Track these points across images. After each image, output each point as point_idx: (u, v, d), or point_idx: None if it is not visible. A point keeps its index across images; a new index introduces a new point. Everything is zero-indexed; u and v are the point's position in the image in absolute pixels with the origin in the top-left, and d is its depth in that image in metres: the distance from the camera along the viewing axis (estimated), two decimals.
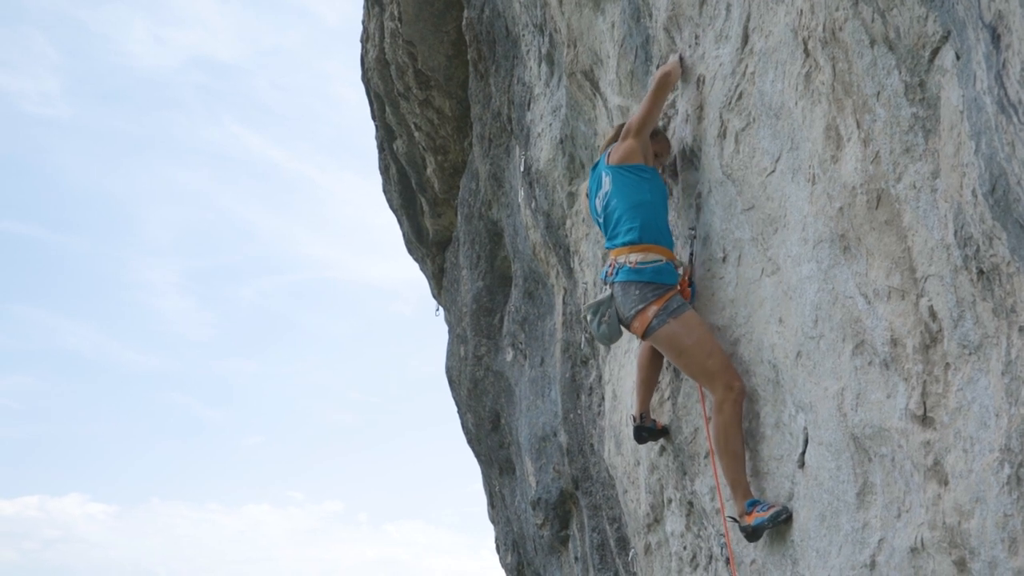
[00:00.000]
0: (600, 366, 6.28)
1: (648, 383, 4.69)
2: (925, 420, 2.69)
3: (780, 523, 3.63)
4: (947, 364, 2.60)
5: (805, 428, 3.46)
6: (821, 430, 3.31)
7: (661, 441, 4.73)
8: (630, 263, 4.23)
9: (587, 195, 4.84)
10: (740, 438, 3.83)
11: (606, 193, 4.47)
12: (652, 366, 4.67)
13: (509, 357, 9.42)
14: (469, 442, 11.63)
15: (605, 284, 4.42)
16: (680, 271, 4.30)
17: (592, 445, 6.82)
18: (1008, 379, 2.33)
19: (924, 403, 2.69)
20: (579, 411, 7.06)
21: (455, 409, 11.99)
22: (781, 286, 3.55)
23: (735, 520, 3.88)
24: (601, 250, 5.82)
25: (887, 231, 2.82)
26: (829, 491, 3.29)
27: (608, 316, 4.36)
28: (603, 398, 6.25)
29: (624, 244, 4.29)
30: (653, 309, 4.12)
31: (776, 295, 3.61)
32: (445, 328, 12.43)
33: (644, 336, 4.20)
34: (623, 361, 5.47)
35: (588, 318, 4.52)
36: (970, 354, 2.49)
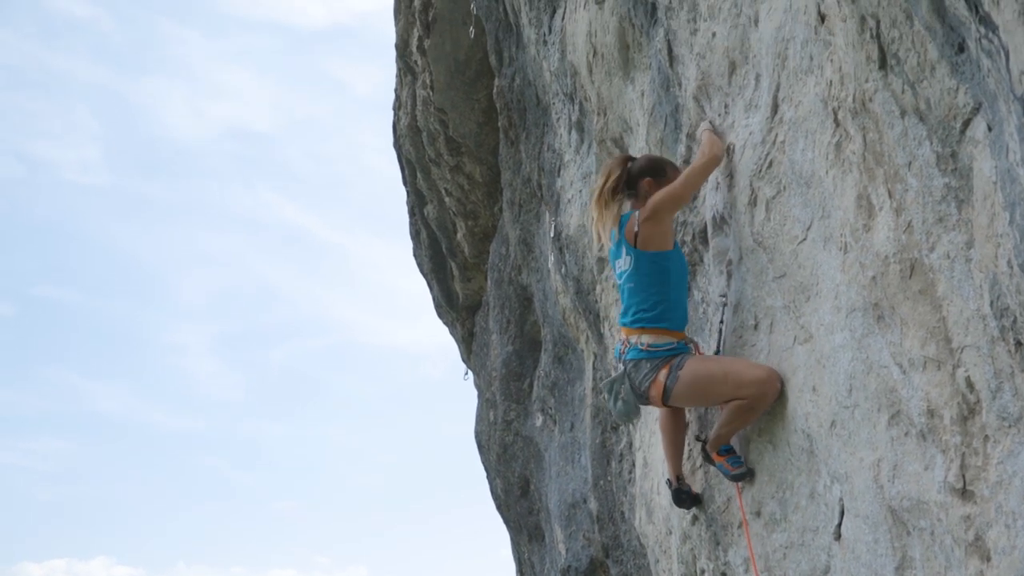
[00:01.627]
0: (631, 432, 6.23)
1: (676, 446, 4.65)
2: (965, 493, 2.63)
3: (736, 479, 4.05)
4: (986, 436, 2.55)
5: (841, 499, 3.40)
6: (857, 501, 3.25)
7: (694, 510, 4.66)
8: (641, 344, 4.24)
9: (608, 257, 4.81)
10: (753, 418, 3.97)
11: (624, 272, 4.39)
12: (675, 429, 4.63)
13: (539, 422, 9.36)
14: (498, 508, 11.52)
15: (618, 362, 4.41)
16: (691, 347, 4.31)
17: (623, 513, 6.73)
18: None
19: (963, 476, 2.64)
20: (609, 478, 6.98)
21: (484, 474, 11.90)
22: (814, 354, 3.52)
23: (701, 441, 4.30)
24: None
25: (921, 300, 2.80)
26: (867, 565, 3.21)
27: (624, 392, 4.36)
28: (634, 465, 6.18)
29: (636, 326, 4.28)
30: (663, 373, 4.14)
31: (809, 363, 3.57)
32: (475, 392, 12.40)
33: (664, 401, 4.21)
34: (654, 428, 5.42)
35: (605, 397, 4.53)
36: (1010, 426, 2.45)
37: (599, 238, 4.54)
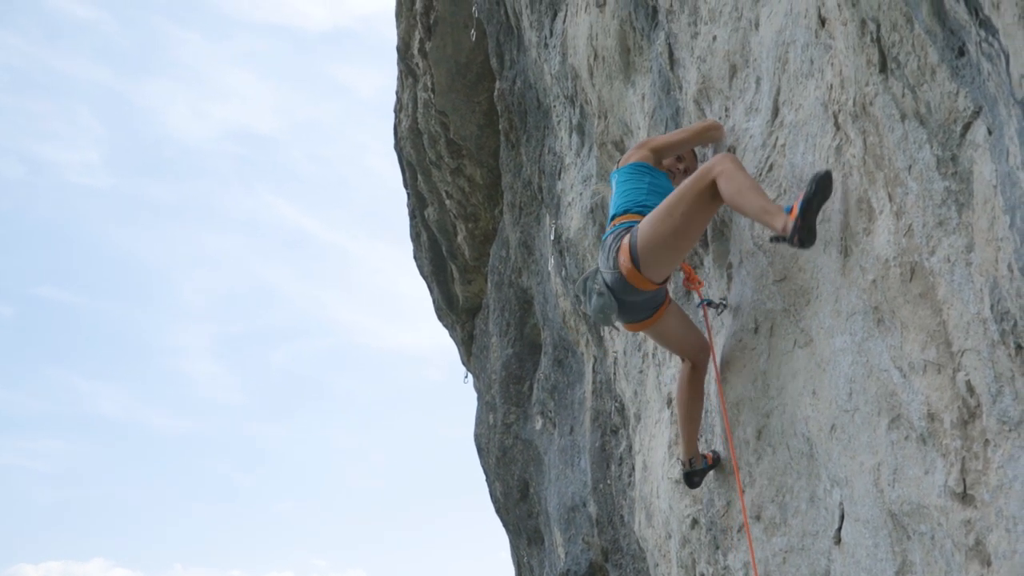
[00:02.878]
0: (630, 436, 6.22)
1: (693, 419, 4.48)
2: (965, 498, 2.63)
3: (822, 182, 3.18)
4: (986, 440, 2.55)
5: (841, 503, 3.39)
6: (857, 506, 3.24)
7: (692, 515, 4.65)
8: (611, 230, 4.17)
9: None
10: (748, 176, 3.61)
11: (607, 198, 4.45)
12: (693, 401, 4.48)
13: (538, 425, 9.35)
14: (497, 511, 11.50)
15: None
16: None
17: (622, 516, 6.72)
18: None
19: (964, 480, 2.63)
20: (609, 481, 6.97)
21: (484, 477, 11.89)
22: (814, 358, 3.52)
23: (779, 239, 3.44)
24: None
25: (922, 304, 2.80)
26: (867, 569, 3.21)
27: (599, 285, 4.16)
28: (633, 468, 6.17)
29: (610, 219, 4.26)
30: (626, 238, 3.99)
31: (809, 367, 3.57)
32: (474, 395, 12.39)
33: (633, 261, 3.93)
34: (654, 432, 5.41)
35: (580, 298, 4.33)
36: (1010, 430, 2.45)
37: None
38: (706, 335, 4.41)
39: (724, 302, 4.34)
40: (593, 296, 4.19)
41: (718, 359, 4.33)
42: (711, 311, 4.46)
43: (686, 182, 3.79)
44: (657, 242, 3.85)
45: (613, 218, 4.25)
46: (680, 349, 4.49)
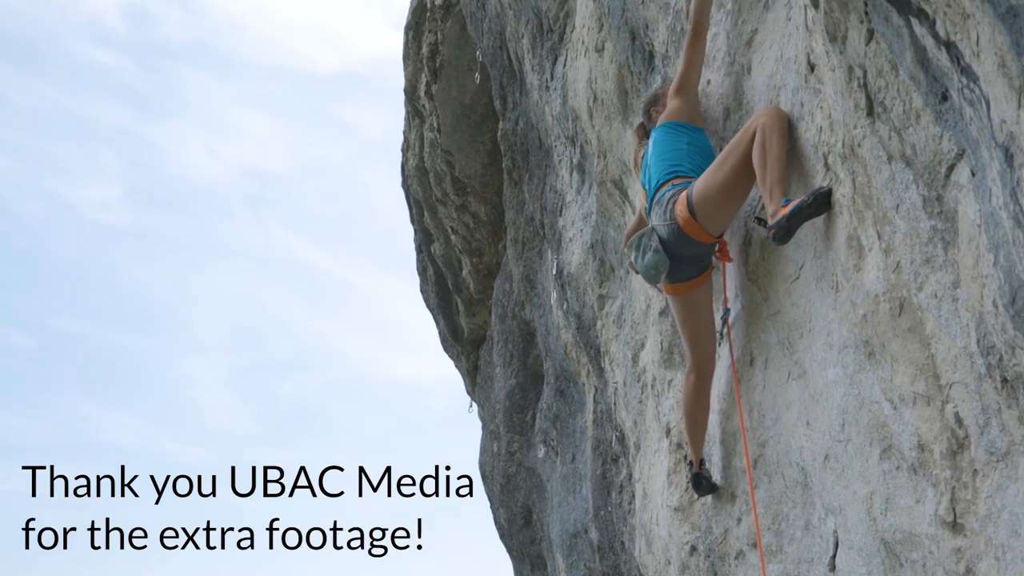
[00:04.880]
0: (630, 464, 6.19)
1: (700, 423, 4.43)
2: (955, 526, 2.62)
3: (820, 199, 3.25)
4: (975, 470, 2.54)
5: (835, 531, 3.37)
6: (851, 534, 3.22)
7: (691, 542, 4.61)
8: (663, 192, 4.15)
9: (640, 169, 4.73)
10: (780, 146, 3.56)
11: (647, 154, 4.40)
12: (700, 410, 4.42)
13: (541, 454, 9.31)
14: (501, 537, 11.42)
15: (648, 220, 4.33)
16: None
17: (623, 542, 6.67)
18: None
19: (954, 509, 2.62)
20: (610, 508, 6.94)
21: (488, 503, 11.82)
22: (808, 390, 3.52)
23: (762, 221, 3.63)
24: (631, 351, 5.81)
25: (911, 338, 2.80)
26: None
27: (655, 243, 4.13)
28: (633, 496, 6.14)
29: (658, 184, 4.22)
30: (683, 193, 4.00)
31: (803, 398, 3.57)
32: (478, 424, 12.36)
33: (690, 211, 3.93)
34: (653, 460, 5.39)
35: (632, 255, 4.31)
36: (998, 461, 2.44)
37: (635, 167, 4.75)
38: (724, 349, 4.33)
39: (725, 317, 4.26)
40: (648, 252, 4.17)
41: (722, 385, 4.29)
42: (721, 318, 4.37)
43: (736, 136, 3.80)
44: (711, 193, 3.89)
45: (660, 183, 4.21)
46: (697, 337, 4.37)
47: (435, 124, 10.11)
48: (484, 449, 11.57)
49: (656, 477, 5.24)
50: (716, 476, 4.43)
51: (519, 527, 10.24)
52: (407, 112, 11.35)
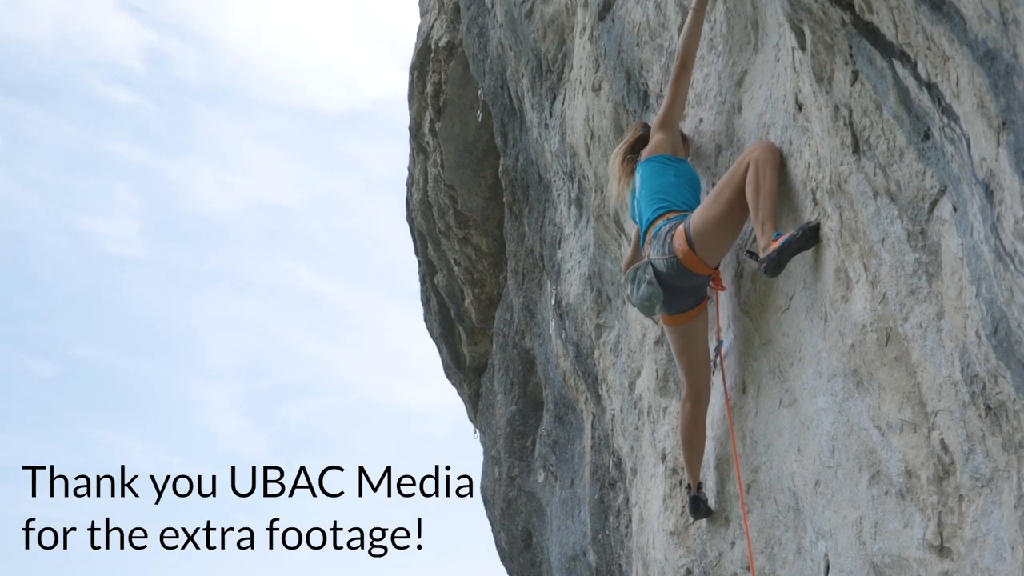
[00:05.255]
0: (627, 489, 6.17)
1: (696, 448, 4.41)
2: (942, 550, 2.62)
3: (809, 233, 3.27)
4: (961, 496, 2.55)
5: (826, 555, 3.37)
6: (842, 557, 3.22)
7: (686, 566, 4.59)
8: (659, 224, 4.13)
9: (628, 209, 4.74)
10: (771, 179, 3.56)
11: (635, 189, 4.39)
12: (698, 438, 4.41)
13: (541, 478, 9.28)
14: (502, 560, 11.35)
15: (643, 252, 4.31)
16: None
17: (620, 566, 6.64)
18: (1021, 512, 2.28)
19: (941, 533, 2.63)
20: (607, 532, 6.91)
21: (489, 527, 11.75)
22: (798, 417, 3.52)
23: (753, 255, 3.60)
24: (628, 378, 5.81)
25: (897, 367, 2.82)
26: None
27: (649, 276, 4.13)
28: (630, 520, 6.12)
29: (651, 220, 4.22)
30: (680, 225, 3.99)
31: (794, 425, 3.57)
32: (478, 449, 12.32)
33: (688, 243, 3.91)
34: (649, 485, 5.38)
35: (628, 287, 4.29)
36: (983, 487, 2.45)
37: (616, 192, 4.71)
38: (718, 377, 4.32)
39: (717, 351, 4.28)
40: (643, 285, 4.17)
41: (716, 412, 4.30)
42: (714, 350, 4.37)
43: (731, 169, 3.81)
44: (708, 226, 3.89)
45: (653, 219, 4.21)
46: (693, 366, 4.35)
47: (439, 160, 10.18)
48: (486, 474, 11.53)
49: (652, 502, 5.23)
50: (711, 501, 4.43)
51: (519, 550, 10.18)
52: (412, 149, 11.42)
